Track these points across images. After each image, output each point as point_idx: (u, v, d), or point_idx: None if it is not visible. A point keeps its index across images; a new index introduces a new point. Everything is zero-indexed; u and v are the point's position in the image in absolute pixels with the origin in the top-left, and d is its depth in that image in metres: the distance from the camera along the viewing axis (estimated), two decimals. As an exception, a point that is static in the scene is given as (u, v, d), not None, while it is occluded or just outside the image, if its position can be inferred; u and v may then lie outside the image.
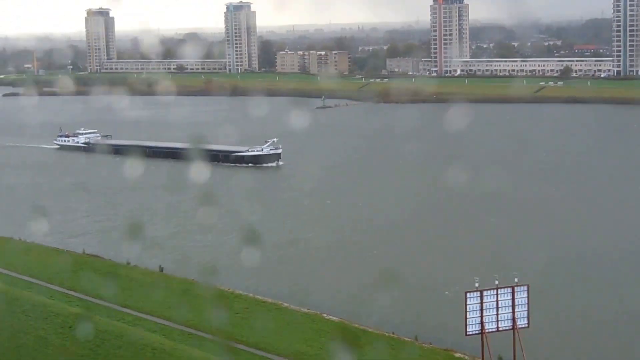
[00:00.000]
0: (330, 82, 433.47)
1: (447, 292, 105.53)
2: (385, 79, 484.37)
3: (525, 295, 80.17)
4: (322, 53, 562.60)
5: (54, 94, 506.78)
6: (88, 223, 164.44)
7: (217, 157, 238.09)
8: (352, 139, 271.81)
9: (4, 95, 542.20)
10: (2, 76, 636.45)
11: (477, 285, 79.19)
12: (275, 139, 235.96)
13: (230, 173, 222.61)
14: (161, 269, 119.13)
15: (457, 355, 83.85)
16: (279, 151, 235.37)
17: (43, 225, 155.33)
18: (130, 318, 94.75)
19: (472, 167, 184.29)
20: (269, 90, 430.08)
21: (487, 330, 78.50)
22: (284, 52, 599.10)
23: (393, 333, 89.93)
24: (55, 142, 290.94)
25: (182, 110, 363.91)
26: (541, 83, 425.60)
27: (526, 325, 80.00)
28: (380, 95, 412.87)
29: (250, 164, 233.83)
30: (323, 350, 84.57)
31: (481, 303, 78.65)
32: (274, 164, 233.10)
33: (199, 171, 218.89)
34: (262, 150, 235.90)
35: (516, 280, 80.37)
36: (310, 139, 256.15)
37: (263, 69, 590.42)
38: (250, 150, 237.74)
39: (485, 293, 78.89)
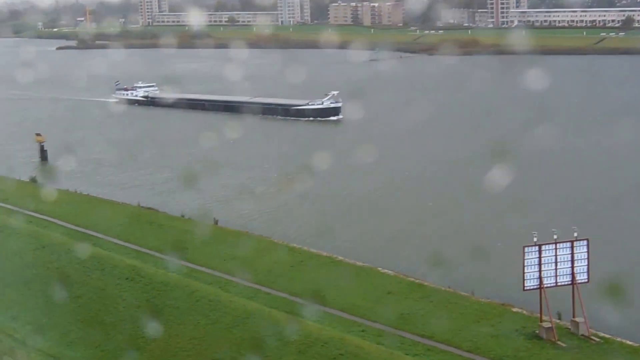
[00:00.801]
0: (384, 34, 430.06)
1: (499, 244, 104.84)
2: (440, 31, 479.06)
3: (585, 249, 78.70)
4: (376, 5, 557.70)
5: (106, 47, 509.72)
6: (143, 175, 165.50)
7: (276, 111, 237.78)
8: (408, 92, 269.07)
9: (58, 48, 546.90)
10: (55, 30, 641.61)
11: (535, 239, 77.91)
12: (335, 92, 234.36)
13: (290, 127, 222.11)
14: (216, 222, 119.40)
15: (514, 310, 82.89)
16: (339, 105, 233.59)
17: (98, 177, 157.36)
18: (186, 270, 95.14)
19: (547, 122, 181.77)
20: (321, 42, 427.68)
21: (545, 285, 77.31)
22: (336, 4, 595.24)
23: (449, 287, 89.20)
24: (113, 95, 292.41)
25: (235, 63, 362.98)
26: (602, 34, 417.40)
27: (586, 280, 78.58)
28: (434, 47, 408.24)
29: (310, 118, 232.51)
30: (378, 304, 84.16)
31: (539, 257, 77.44)
32: (334, 118, 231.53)
33: (257, 124, 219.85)
34: (322, 103, 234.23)
35: (575, 234, 78.89)
36: (365, 92, 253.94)
37: (315, 21, 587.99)
38: (310, 103, 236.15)
39: (543, 247, 77.62)
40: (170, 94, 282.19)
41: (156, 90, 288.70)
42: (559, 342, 74.45)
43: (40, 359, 73.75)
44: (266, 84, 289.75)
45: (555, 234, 78.64)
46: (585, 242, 78.63)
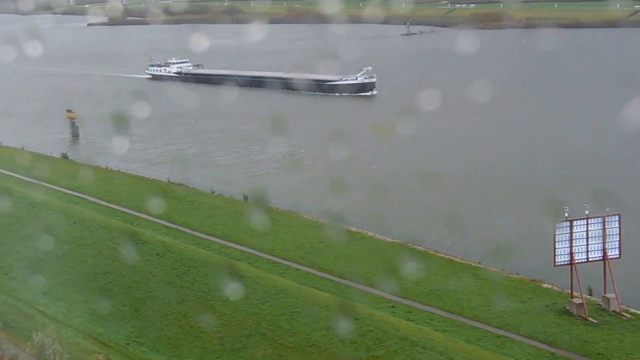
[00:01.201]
0: (416, 8, 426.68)
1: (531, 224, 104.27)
2: (472, 5, 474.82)
3: (617, 225, 78.00)
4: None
5: (139, 22, 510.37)
6: (173, 151, 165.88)
7: (310, 86, 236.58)
8: (442, 66, 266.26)
9: (89, 24, 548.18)
10: (86, 6, 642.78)
11: (566, 215, 77.28)
12: (369, 68, 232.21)
13: (324, 102, 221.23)
14: (245, 198, 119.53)
15: (545, 285, 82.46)
16: (374, 80, 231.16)
17: (129, 154, 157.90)
18: (216, 246, 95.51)
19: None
20: (352, 17, 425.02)
21: (576, 261, 76.78)
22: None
23: (479, 263, 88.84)
24: (147, 71, 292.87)
25: (267, 38, 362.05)
26: (636, 6, 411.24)
27: (617, 255, 77.94)
28: (466, 21, 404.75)
29: (344, 93, 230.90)
30: (408, 280, 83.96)
31: (571, 233, 76.87)
32: (368, 93, 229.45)
33: (290, 100, 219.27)
34: (357, 79, 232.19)
35: (607, 209, 78.15)
36: (399, 67, 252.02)
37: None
38: (344, 79, 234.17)
39: (575, 223, 77.00)
40: (203, 70, 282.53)
41: (189, 66, 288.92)
42: (589, 318, 74.01)
43: (71, 334, 74.12)
44: (298, 59, 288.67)
45: (587, 210, 78.06)
46: (617, 217, 77.91)
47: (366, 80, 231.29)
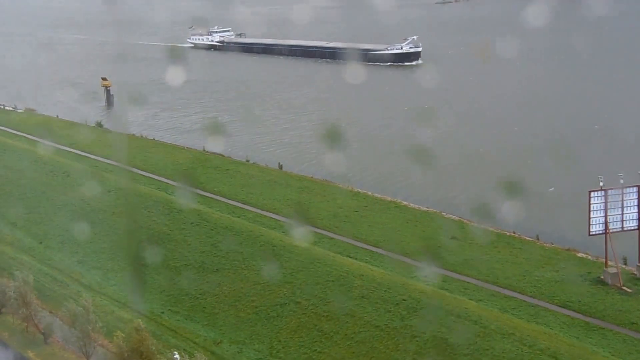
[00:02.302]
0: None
1: (551, 189, 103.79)
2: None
3: (653, 194, 77.31)
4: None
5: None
6: (207, 119, 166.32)
7: (354, 55, 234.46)
8: (482, 35, 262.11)
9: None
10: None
11: (601, 184, 76.63)
12: (415, 37, 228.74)
13: (370, 71, 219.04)
14: (280, 167, 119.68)
15: (579, 255, 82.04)
16: (419, 49, 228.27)
17: (165, 122, 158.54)
18: (250, 215, 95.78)
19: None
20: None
21: (611, 230, 76.30)
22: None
23: (514, 232, 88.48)
24: (189, 40, 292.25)
25: (299, 7, 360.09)
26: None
27: (653, 225, 77.37)
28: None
29: (389, 63, 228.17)
30: (442, 249, 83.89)
31: (605, 202, 76.31)
32: (413, 63, 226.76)
33: (335, 69, 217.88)
34: (402, 48, 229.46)
35: (643, 178, 77.44)
36: (439, 36, 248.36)
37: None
38: (389, 48, 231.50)
39: (609, 192, 76.41)
40: (246, 39, 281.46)
41: (232, 35, 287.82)
42: (624, 288, 73.60)
43: (106, 302, 74.97)
44: (336, 28, 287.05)
45: (622, 179, 77.36)
46: (652, 187, 77.22)
47: (411, 50, 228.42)
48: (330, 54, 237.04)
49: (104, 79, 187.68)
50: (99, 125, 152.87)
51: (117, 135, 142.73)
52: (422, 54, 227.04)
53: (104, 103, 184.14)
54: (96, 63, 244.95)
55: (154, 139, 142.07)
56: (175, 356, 59.36)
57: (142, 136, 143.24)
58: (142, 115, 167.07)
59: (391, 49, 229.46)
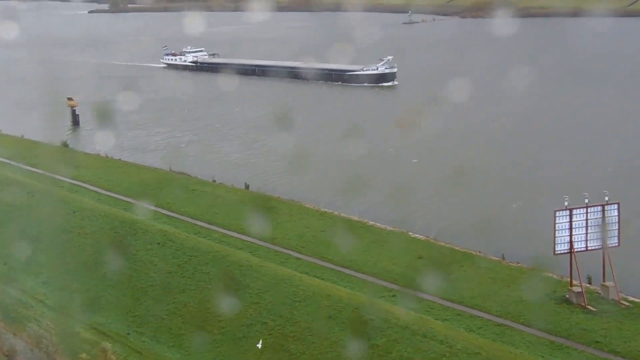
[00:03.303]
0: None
1: (514, 205, 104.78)
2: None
3: (616, 213, 78.02)
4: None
5: (138, 10, 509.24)
6: (177, 139, 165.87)
7: (329, 76, 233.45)
8: (453, 54, 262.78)
9: (90, 12, 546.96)
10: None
11: (566, 203, 77.28)
12: (390, 57, 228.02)
13: (346, 92, 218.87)
14: (247, 187, 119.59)
15: (544, 274, 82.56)
16: (394, 70, 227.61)
17: (131, 142, 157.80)
18: (216, 235, 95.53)
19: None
20: (353, 5, 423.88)
21: (576, 250, 76.87)
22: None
23: (479, 252, 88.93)
24: (162, 60, 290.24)
25: (271, 26, 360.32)
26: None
27: (617, 244, 77.97)
28: (467, 10, 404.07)
29: (365, 84, 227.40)
30: (409, 269, 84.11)
31: (570, 222, 76.94)
32: (388, 83, 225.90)
33: (310, 90, 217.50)
34: (377, 69, 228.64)
35: (607, 198, 78.16)
36: (409, 55, 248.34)
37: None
38: (365, 69, 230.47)
39: (574, 211, 77.03)
40: (219, 59, 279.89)
41: (205, 55, 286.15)
42: (588, 307, 74.18)
43: (70, 324, 74.36)
44: (304, 48, 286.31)
45: (587, 198, 78.08)
46: (616, 206, 77.94)
47: (387, 70, 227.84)
48: (305, 75, 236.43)
49: (69, 98, 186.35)
50: (65, 145, 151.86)
51: (82, 155, 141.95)
52: (397, 75, 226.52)
53: (69, 123, 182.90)
54: (63, 82, 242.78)
55: (119, 159, 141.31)
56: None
57: (107, 156, 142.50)
58: (107, 135, 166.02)
59: (367, 70, 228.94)
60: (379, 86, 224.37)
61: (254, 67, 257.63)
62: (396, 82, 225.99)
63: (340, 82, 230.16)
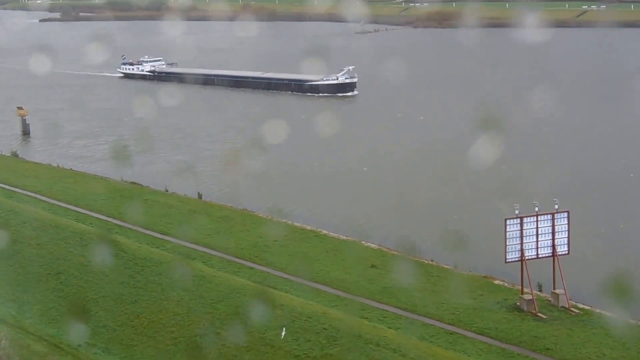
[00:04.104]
0: (369, 5, 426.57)
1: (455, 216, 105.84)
2: (425, 4, 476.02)
3: (566, 221, 79.06)
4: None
5: (90, 19, 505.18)
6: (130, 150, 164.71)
7: (290, 86, 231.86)
8: (408, 64, 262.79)
9: (41, 20, 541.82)
10: (39, 1, 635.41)
11: (517, 212, 78.13)
12: (350, 67, 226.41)
13: (304, 102, 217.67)
14: (200, 196, 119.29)
15: (496, 282, 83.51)
16: (355, 80, 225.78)
17: (82, 152, 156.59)
18: (170, 245, 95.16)
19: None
20: (307, 14, 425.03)
21: (526, 258, 77.70)
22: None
23: (432, 260, 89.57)
24: (119, 70, 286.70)
25: (223, 35, 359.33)
26: (583, 7, 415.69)
27: (566, 252, 79.00)
28: (419, 20, 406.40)
29: (325, 94, 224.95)
30: (362, 277, 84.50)
31: (521, 230, 77.77)
32: (348, 94, 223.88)
33: (268, 100, 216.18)
34: (337, 79, 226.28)
35: (556, 206, 79.18)
36: (365, 65, 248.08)
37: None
38: (325, 78, 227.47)
39: (525, 220, 77.89)
40: (177, 69, 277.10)
41: (163, 64, 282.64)
42: (539, 314, 75.07)
43: (21, 337, 73.35)
44: (260, 57, 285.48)
45: (537, 207, 79.00)
46: (565, 214, 79.01)
47: (347, 80, 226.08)
48: (265, 85, 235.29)
49: (19, 108, 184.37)
50: (15, 155, 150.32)
51: (32, 165, 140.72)
52: (357, 85, 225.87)
53: (19, 132, 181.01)
54: (13, 91, 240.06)
55: (70, 169, 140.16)
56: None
57: (58, 166, 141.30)
58: (58, 144, 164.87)
59: (327, 80, 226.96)
60: (339, 96, 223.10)
61: (212, 77, 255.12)
62: (356, 92, 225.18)
63: (301, 92, 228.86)
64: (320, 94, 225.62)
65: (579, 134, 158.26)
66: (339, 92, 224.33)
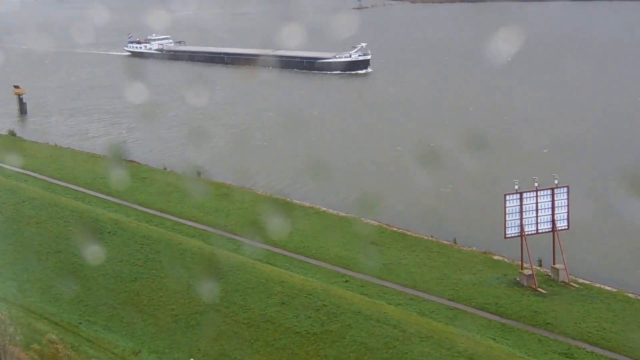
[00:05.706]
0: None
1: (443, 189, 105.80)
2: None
3: (565, 196, 78.95)
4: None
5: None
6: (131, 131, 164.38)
7: (300, 64, 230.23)
8: (416, 41, 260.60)
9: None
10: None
11: (516, 187, 77.99)
12: (364, 44, 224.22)
13: (318, 81, 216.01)
14: (199, 174, 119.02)
15: (495, 257, 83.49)
16: (368, 57, 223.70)
17: (81, 131, 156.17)
18: (169, 223, 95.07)
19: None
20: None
21: (526, 233, 77.67)
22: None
23: (432, 236, 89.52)
24: (126, 48, 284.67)
25: (221, 12, 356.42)
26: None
27: (566, 227, 78.95)
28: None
29: (338, 71, 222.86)
30: (361, 254, 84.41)
31: (521, 205, 77.69)
32: (362, 71, 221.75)
33: (280, 77, 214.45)
34: (351, 56, 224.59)
35: (556, 182, 79.03)
36: (369, 42, 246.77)
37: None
38: (337, 56, 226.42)
39: (524, 195, 77.80)
40: (185, 47, 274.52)
41: (171, 42, 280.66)
42: (539, 289, 75.11)
43: (22, 315, 73.22)
44: (267, 34, 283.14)
45: (537, 182, 78.85)
46: (565, 189, 78.88)
47: (360, 58, 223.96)
48: (275, 62, 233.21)
49: (16, 86, 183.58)
50: (12, 134, 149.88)
51: (30, 144, 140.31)
52: (371, 62, 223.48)
53: (17, 111, 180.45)
54: (14, 70, 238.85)
55: (69, 147, 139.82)
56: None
57: (56, 145, 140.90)
58: (56, 123, 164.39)
59: (339, 57, 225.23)
60: (352, 74, 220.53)
61: (222, 55, 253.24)
62: (370, 70, 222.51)
63: (312, 70, 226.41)
64: (334, 72, 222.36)
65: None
66: (353, 70, 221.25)
